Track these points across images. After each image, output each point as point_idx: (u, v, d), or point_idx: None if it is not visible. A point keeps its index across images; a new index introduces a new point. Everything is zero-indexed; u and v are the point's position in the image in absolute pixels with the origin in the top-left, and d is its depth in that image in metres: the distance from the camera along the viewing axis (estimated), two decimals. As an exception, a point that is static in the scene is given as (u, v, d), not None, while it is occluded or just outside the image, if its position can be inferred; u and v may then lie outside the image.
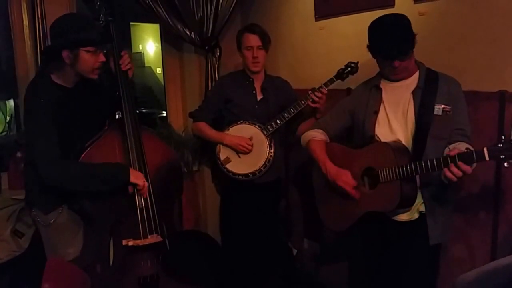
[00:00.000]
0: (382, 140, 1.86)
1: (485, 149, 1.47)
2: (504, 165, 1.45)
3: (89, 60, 1.89)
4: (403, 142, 1.81)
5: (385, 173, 1.76)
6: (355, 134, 2.02)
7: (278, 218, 2.80)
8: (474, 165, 1.59)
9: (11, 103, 3.40)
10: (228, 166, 2.45)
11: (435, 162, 1.60)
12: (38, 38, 2.57)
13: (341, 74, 2.30)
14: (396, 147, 1.78)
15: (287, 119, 2.39)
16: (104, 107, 2.17)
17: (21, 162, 2.64)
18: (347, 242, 2.65)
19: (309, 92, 2.30)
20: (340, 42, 2.54)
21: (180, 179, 2.32)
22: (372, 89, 1.94)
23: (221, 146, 2.47)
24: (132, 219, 1.97)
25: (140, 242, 1.94)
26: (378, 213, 1.84)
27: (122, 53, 2.13)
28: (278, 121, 2.41)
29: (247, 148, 2.41)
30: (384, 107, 1.88)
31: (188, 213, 3.35)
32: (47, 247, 2.13)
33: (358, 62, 2.28)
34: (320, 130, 2.09)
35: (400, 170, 1.71)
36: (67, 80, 1.96)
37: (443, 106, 1.74)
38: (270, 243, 2.64)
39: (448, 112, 1.73)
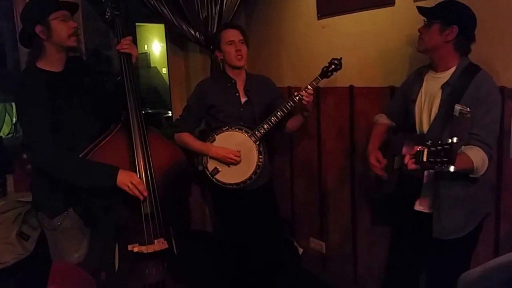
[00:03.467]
0: (417, 128, 1.90)
1: (425, 150, 1.45)
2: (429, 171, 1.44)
3: (62, 28, 1.91)
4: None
5: (396, 160, 1.84)
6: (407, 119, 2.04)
7: (280, 218, 2.76)
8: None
9: (17, 105, 3.41)
10: (217, 176, 2.34)
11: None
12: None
13: (325, 72, 2.26)
14: (410, 137, 1.80)
15: (274, 123, 2.31)
16: (105, 101, 2.16)
17: (27, 164, 2.64)
18: (352, 241, 2.66)
19: (295, 93, 2.25)
20: (342, 41, 2.52)
21: (188, 181, 2.29)
22: (418, 77, 1.95)
23: (208, 156, 2.38)
24: (138, 224, 1.93)
25: (145, 249, 1.91)
26: (402, 200, 1.90)
27: (122, 40, 2.09)
28: (266, 126, 2.31)
29: (236, 160, 2.31)
30: (421, 97, 1.89)
31: (195, 213, 3.35)
32: (53, 251, 2.12)
33: (341, 58, 2.26)
34: (383, 115, 2.17)
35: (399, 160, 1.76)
36: (52, 62, 1.97)
37: (460, 107, 1.68)
38: (275, 243, 2.61)
39: (465, 115, 1.66)
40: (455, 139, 1.37)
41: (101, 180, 1.90)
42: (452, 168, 1.36)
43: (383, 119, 2.15)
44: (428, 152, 1.44)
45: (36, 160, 1.93)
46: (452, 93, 1.73)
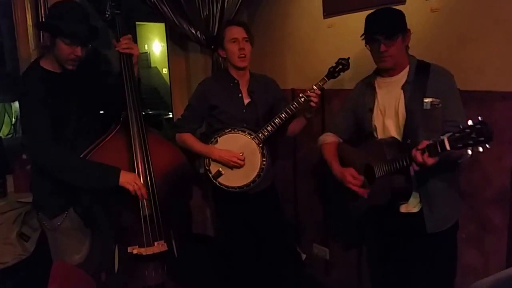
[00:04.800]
0: (379, 136, 1.92)
1: (445, 139, 1.46)
2: (468, 152, 1.42)
3: (64, 50, 1.90)
4: (397, 138, 1.84)
5: (378, 168, 1.83)
6: (359, 131, 2.07)
7: (284, 222, 2.73)
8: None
9: (16, 105, 3.40)
10: (220, 179, 2.31)
11: (407, 155, 1.64)
12: (42, 39, 2.55)
13: (332, 73, 2.23)
14: (387, 142, 1.83)
15: (278, 125, 2.27)
16: (106, 101, 2.15)
17: (27, 164, 2.63)
18: (356, 246, 2.63)
19: (300, 94, 2.22)
20: (349, 40, 2.46)
21: (189, 183, 2.27)
22: (368, 86, 1.98)
23: (210, 159, 2.34)
24: (137, 226, 1.94)
25: (144, 251, 1.91)
26: (385, 205, 1.87)
27: (121, 39, 2.08)
28: (269, 128, 2.28)
29: (239, 163, 2.26)
30: (378, 104, 1.92)
31: (197, 216, 3.32)
32: (53, 251, 2.14)
33: (349, 58, 2.23)
34: (330, 133, 2.18)
35: (388, 165, 1.75)
36: (53, 64, 1.98)
37: (431, 99, 1.73)
38: (278, 248, 2.57)
39: (437, 105, 1.72)
40: (480, 118, 1.39)
41: (102, 181, 1.89)
42: (488, 145, 1.39)
43: (330, 138, 2.16)
44: (450, 139, 1.45)
45: (37, 160, 1.93)
46: (414, 90, 1.78)
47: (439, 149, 1.49)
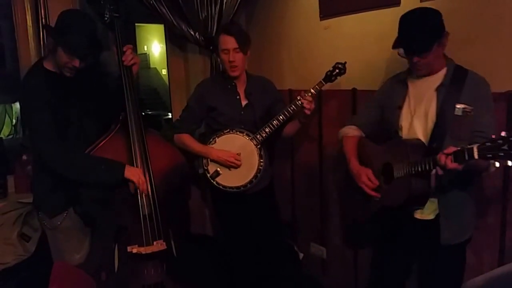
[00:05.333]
0: (404, 136, 1.85)
1: (475, 147, 1.43)
2: (494, 164, 1.39)
3: (63, 58, 1.93)
4: (422, 140, 1.78)
5: (398, 169, 1.77)
6: (383, 128, 2.01)
7: (280, 221, 2.75)
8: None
9: (17, 106, 3.42)
10: (218, 179, 2.33)
11: (431, 159, 1.59)
12: (41, 40, 2.57)
13: (329, 77, 2.26)
14: (412, 144, 1.77)
15: (276, 127, 2.30)
16: (107, 101, 2.17)
17: (27, 165, 2.65)
18: (355, 244, 2.65)
19: (298, 97, 2.25)
20: (345, 42, 2.49)
21: (187, 183, 2.29)
22: (399, 83, 1.92)
23: (208, 159, 2.37)
24: (137, 226, 1.96)
25: (143, 250, 1.93)
26: (397, 208, 1.83)
27: (124, 49, 2.11)
28: (267, 130, 2.30)
29: (236, 164, 2.29)
30: (409, 102, 1.86)
31: (195, 216, 3.34)
32: (53, 251, 2.15)
33: (345, 62, 2.25)
34: (354, 126, 2.11)
35: (410, 167, 1.70)
36: (55, 65, 2.00)
37: (463, 106, 1.67)
38: (275, 247, 2.60)
39: (468, 113, 1.66)
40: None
41: (108, 175, 1.93)
42: None
43: (352, 131, 2.10)
44: (480, 148, 1.40)
45: (44, 159, 1.94)
46: (449, 93, 1.72)
47: (466, 156, 1.44)
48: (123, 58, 2.09)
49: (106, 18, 2.14)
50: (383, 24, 2.28)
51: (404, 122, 1.85)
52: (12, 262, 2.57)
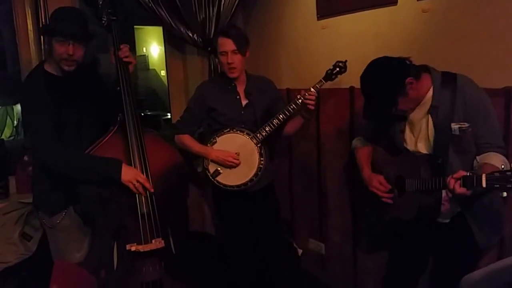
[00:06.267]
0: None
1: (483, 176, 1.42)
2: (503, 195, 1.38)
3: (58, 50, 1.94)
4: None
5: (409, 183, 1.78)
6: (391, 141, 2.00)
7: (280, 219, 2.76)
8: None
9: (18, 107, 3.43)
10: (219, 178, 2.35)
11: (441, 181, 1.60)
12: (42, 42, 2.59)
13: (329, 75, 2.27)
14: (422, 159, 1.78)
15: (276, 126, 2.32)
16: (106, 104, 2.19)
17: (29, 165, 2.67)
18: (353, 242, 2.67)
19: (298, 96, 2.26)
20: (343, 41, 2.51)
21: (185, 182, 2.30)
22: None
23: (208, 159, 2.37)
24: (135, 224, 1.97)
25: (142, 248, 1.94)
26: (409, 220, 1.84)
27: (121, 46, 2.13)
28: (267, 129, 2.32)
29: (235, 163, 2.31)
30: (410, 126, 1.86)
31: (194, 214, 3.36)
32: (53, 250, 2.16)
33: (346, 61, 2.26)
34: (361, 138, 2.14)
35: (420, 183, 1.71)
36: (56, 68, 2.02)
37: (459, 125, 1.67)
38: (274, 244, 2.61)
39: (466, 129, 1.66)
40: None
41: (107, 173, 1.93)
42: None
43: (363, 142, 2.12)
44: (489, 177, 1.39)
45: (44, 160, 1.96)
46: (442, 114, 1.71)
47: (474, 183, 1.43)
48: (119, 52, 2.11)
49: (103, 22, 2.16)
50: (380, 23, 2.30)
51: (409, 145, 1.87)
52: (14, 261, 2.58)
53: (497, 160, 1.59)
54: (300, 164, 2.99)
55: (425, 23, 2.08)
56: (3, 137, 4.01)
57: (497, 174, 1.37)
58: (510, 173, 1.35)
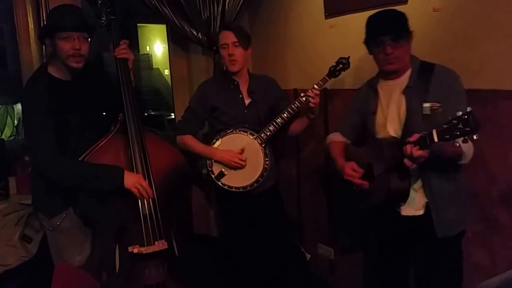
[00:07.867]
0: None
1: (434, 131, 1.46)
2: (455, 144, 1.42)
3: (63, 47, 1.90)
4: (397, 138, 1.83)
5: (377, 167, 1.83)
6: (365, 131, 2.06)
7: (286, 222, 2.72)
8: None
9: (18, 107, 3.41)
10: (223, 180, 2.31)
11: (399, 152, 1.64)
12: (44, 46, 2.55)
13: (333, 72, 2.25)
14: (387, 142, 1.83)
15: (280, 125, 2.28)
16: (112, 108, 2.16)
17: (29, 166, 2.63)
18: (362, 246, 2.63)
19: (302, 94, 2.23)
20: (351, 40, 2.46)
21: (187, 183, 2.27)
22: (371, 89, 1.98)
23: (212, 160, 2.33)
24: (137, 226, 1.94)
25: (144, 250, 1.91)
26: (386, 207, 1.87)
27: (120, 42, 2.11)
28: (272, 128, 2.28)
29: (240, 164, 2.27)
30: (381, 107, 1.91)
31: (198, 217, 3.32)
32: (53, 252, 2.14)
33: (349, 57, 2.24)
34: (338, 133, 2.18)
35: (386, 163, 1.76)
36: (61, 71, 1.98)
37: (430, 104, 1.70)
38: (281, 248, 2.57)
39: (437, 110, 1.69)
40: (468, 108, 1.39)
41: (106, 183, 1.89)
42: (475, 136, 1.37)
43: (338, 137, 2.17)
44: (438, 131, 1.44)
45: (36, 163, 1.95)
46: (415, 94, 1.75)
47: (428, 141, 1.49)
48: (116, 49, 2.09)
49: (103, 21, 2.15)
50: (390, 22, 2.26)
51: (379, 126, 1.90)
52: (14, 263, 2.55)
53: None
54: (308, 167, 2.95)
55: (436, 22, 2.05)
56: (3, 137, 4.00)
57: (445, 126, 1.42)
58: (455, 121, 1.39)
